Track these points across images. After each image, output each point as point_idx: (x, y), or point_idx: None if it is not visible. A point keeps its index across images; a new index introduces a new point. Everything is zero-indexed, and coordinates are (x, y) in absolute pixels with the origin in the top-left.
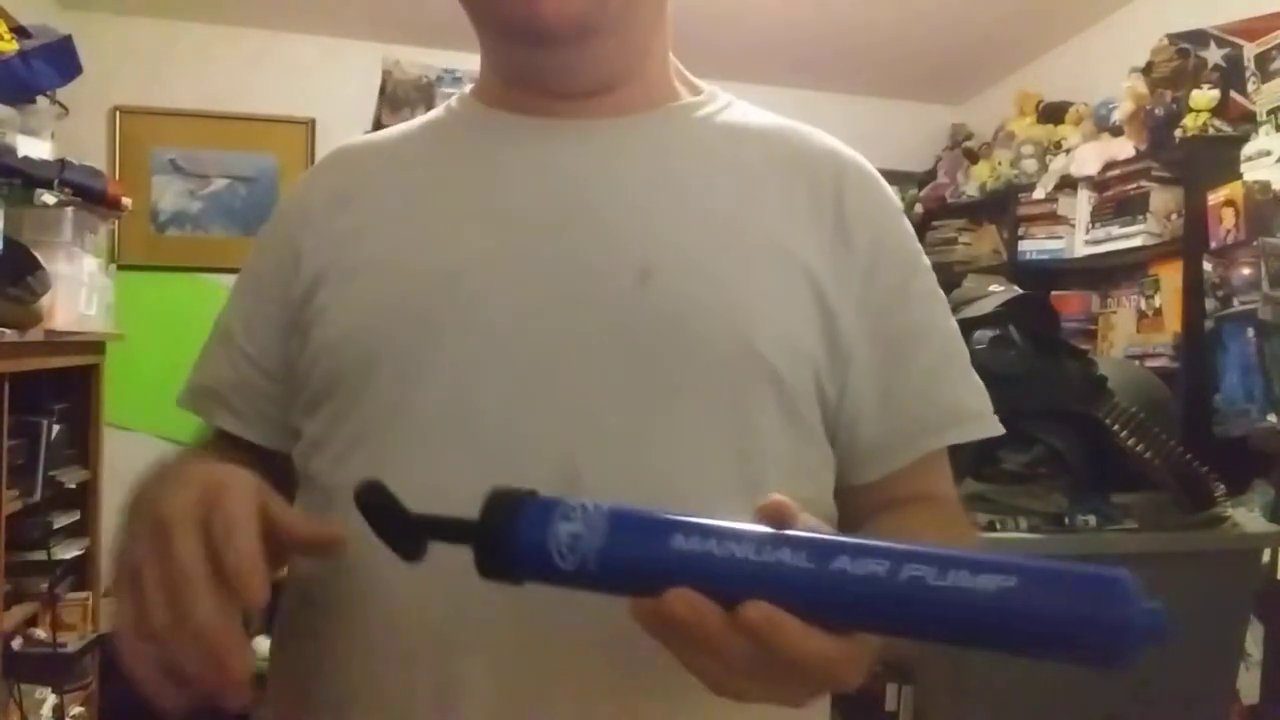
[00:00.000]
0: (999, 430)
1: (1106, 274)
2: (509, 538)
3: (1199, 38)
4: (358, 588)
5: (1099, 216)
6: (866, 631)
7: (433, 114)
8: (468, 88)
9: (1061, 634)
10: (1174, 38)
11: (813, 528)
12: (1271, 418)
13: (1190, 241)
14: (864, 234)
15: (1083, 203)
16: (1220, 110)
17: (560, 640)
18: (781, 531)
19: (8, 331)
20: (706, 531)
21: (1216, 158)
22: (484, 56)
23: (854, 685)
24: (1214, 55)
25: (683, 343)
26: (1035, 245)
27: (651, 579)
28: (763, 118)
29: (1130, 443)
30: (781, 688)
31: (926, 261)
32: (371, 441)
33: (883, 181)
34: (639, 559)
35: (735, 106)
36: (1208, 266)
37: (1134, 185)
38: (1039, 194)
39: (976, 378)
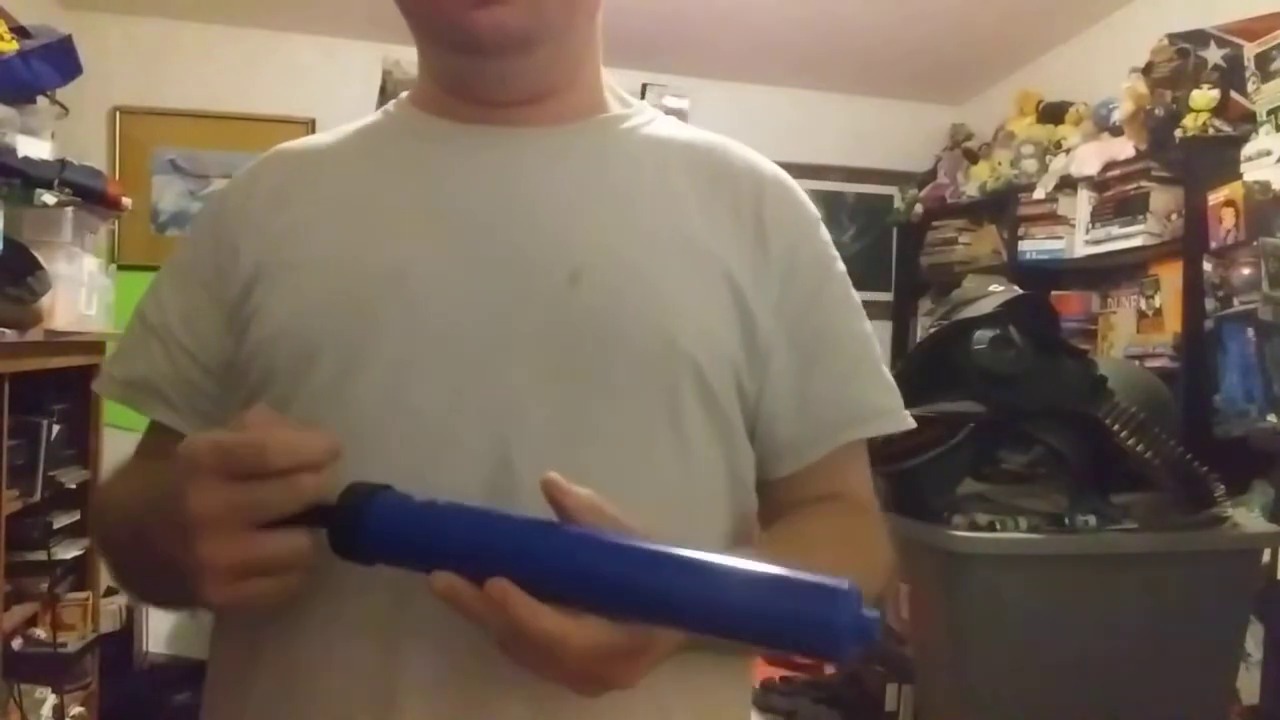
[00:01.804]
0: (909, 425)
1: (1106, 274)
2: (361, 516)
3: (1199, 38)
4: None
5: (1099, 216)
6: (604, 613)
7: (369, 119)
8: (404, 94)
9: (776, 630)
10: (1174, 38)
11: (591, 502)
12: (1271, 418)
13: (1190, 241)
14: (781, 242)
15: (1083, 203)
16: (1220, 110)
17: None
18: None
19: (8, 331)
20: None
21: (1216, 158)
22: (421, 63)
23: (625, 681)
24: (1214, 55)
25: (611, 340)
26: (1035, 245)
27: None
28: (687, 132)
29: (1130, 443)
30: (540, 663)
31: (842, 269)
32: None
33: (801, 193)
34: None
35: (661, 121)
36: (1208, 266)
37: (1134, 185)
38: (1039, 194)
39: (888, 378)
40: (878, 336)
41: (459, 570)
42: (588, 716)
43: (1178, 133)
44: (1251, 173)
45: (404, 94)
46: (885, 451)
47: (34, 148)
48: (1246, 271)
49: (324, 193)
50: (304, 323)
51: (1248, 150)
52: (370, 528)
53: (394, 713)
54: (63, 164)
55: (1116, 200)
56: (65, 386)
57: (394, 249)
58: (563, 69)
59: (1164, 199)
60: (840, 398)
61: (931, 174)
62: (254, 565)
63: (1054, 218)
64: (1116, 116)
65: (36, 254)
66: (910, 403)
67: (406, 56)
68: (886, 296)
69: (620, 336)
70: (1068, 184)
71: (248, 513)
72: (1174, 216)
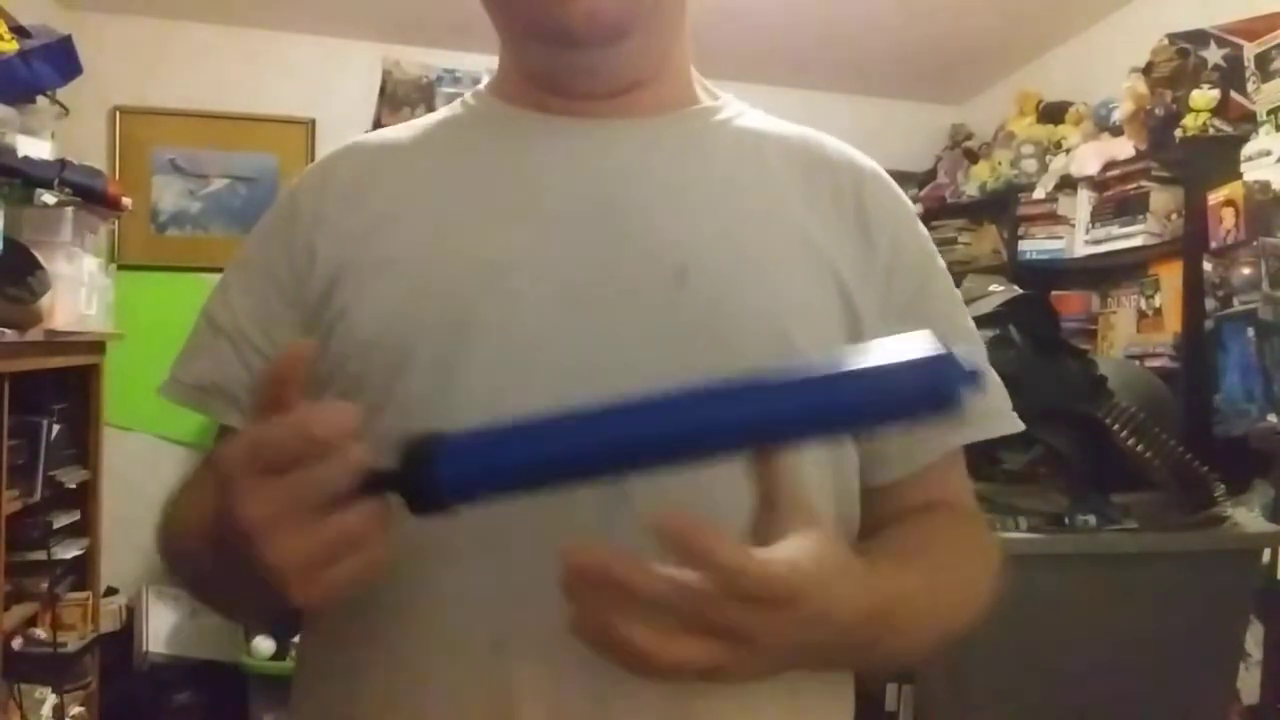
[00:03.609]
0: (1019, 427)
1: (1106, 274)
2: (436, 457)
3: (1199, 38)
4: (405, 583)
5: (1099, 216)
6: (741, 453)
7: (446, 111)
8: (481, 85)
9: (899, 391)
10: (1174, 38)
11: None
12: (1271, 418)
13: (1190, 241)
14: (884, 236)
15: (1083, 203)
16: (1220, 110)
17: None
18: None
19: (8, 331)
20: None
21: (1216, 158)
22: (505, 55)
23: (773, 633)
24: (1214, 55)
25: (723, 341)
26: (1035, 245)
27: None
28: (780, 125)
29: (1130, 443)
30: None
31: (942, 263)
32: None
33: (897, 187)
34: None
35: (752, 113)
36: (1208, 266)
37: (1134, 185)
38: (1039, 194)
39: (995, 376)
40: None
41: (566, 476)
42: (716, 717)
43: (1178, 133)
44: (1251, 173)
45: (481, 86)
46: None
47: (34, 148)
48: (1246, 271)
49: (407, 187)
50: (396, 325)
51: (1248, 150)
52: (454, 463)
53: None
54: (63, 164)
55: (1116, 200)
56: (65, 386)
57: (488, 245)
58: (651, 60)
59: (1164, 199)
60: None
61: (931, 174)
62: (330, 550)
63: (1054, 218)
64: (1116, 116)
65: (36, 254)
66: None
67: (406, 56)
68: None
69: (732, 337)
70: (1068, 184)
71: (305, 499)
72: (1174, 216)
